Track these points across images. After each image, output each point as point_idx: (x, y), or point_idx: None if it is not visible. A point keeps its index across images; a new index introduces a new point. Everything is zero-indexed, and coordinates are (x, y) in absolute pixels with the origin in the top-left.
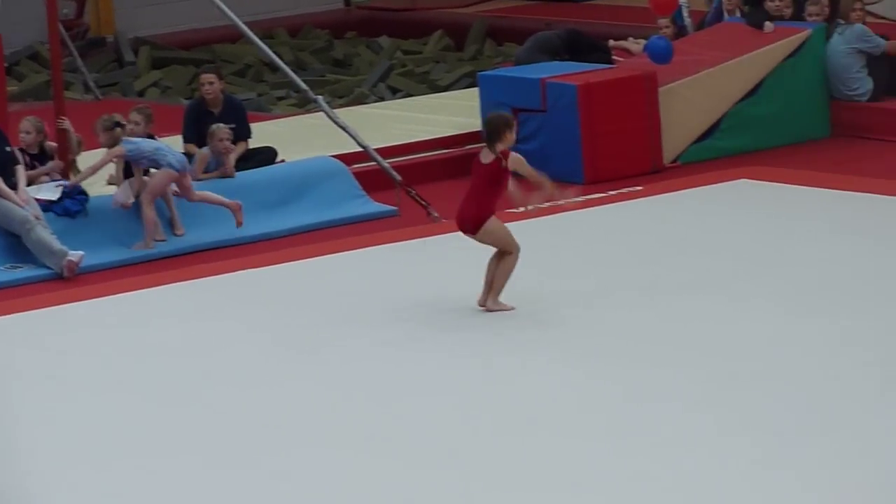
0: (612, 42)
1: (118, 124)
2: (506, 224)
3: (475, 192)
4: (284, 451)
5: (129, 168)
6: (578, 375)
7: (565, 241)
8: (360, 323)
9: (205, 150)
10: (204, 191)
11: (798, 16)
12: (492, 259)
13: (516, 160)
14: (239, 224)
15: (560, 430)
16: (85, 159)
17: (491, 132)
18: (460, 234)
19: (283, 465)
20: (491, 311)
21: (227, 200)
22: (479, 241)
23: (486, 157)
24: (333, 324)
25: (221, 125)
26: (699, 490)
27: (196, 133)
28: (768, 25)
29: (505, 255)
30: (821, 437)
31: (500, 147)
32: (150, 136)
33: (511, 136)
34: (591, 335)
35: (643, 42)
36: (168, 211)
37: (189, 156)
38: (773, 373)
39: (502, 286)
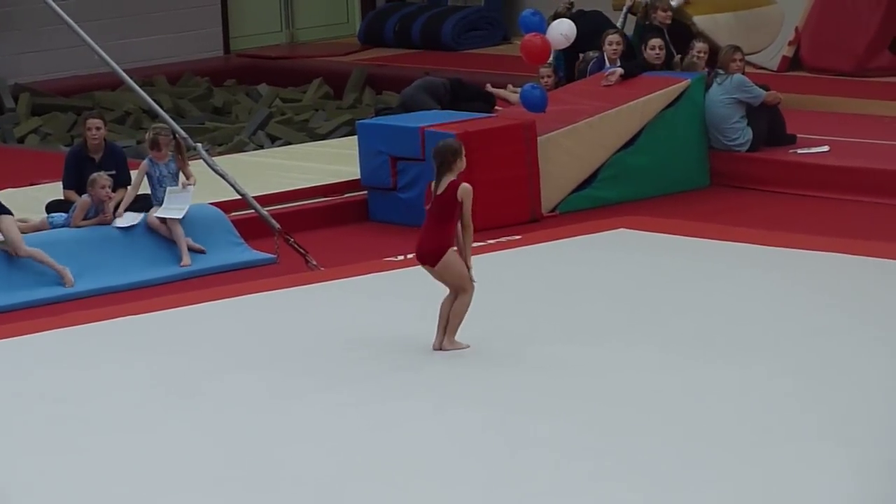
0: (488, 86)
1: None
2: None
3: (431, 225)
4: (161, 498)
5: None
6: (457, 423)
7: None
8: (238, 370)
9: (85, 197)
10: (36, 249)
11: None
12: (444, 301)
13: (465, 192)
14: (69, 284)
15: (439, 478)
16: None
17: (441, 163)
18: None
19: None
20: (447, 350)
21: (56, 264)
22: (438, 275)
23: (439, 188)
24: (212, 371)
25: (102, 173)
26: None
27: (76, 179)
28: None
29: (459, 294)
30: (700, 486)
31: (450, 178)
32: None
33: (461, 164)
34: (470, 383)
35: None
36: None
37: (68, 202)
38: (653, 420)
39: (457, 325)
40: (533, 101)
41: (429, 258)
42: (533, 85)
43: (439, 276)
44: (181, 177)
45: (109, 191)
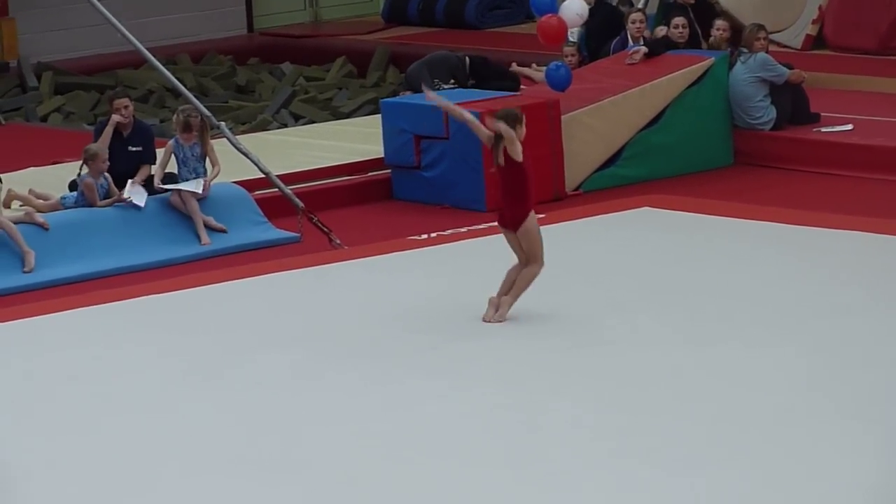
0: (514, 67)
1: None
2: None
3: (508, 193)
4: (183, 479)
5: None
6: (479, 402)
7: (467, 268)
8: (262, 349)
9: (87, 179)
10: (10, 223)
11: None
12: (512, 268)
13: (511, 141)
14: (28, 269)
15: (459, 457)
16: None
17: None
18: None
19: (182, 493)
20: (502, 310)
21: (24, 245)
22: (517, 240)
23: (500, 157)
24: (236, 349)
25: (104, 147)
26: None
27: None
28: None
29: (530, 263)
30: (722, 464)
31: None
32: None
33: (521, 131)
34: (492, 362)
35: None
36: (16, 245)
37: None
38: (675, 399)
39: (520, 292)
40: (558, 80)
41: (511, 223)
42: (558, 64)
43: (518, 241)
44: (208, 164)
45: (107, 164)
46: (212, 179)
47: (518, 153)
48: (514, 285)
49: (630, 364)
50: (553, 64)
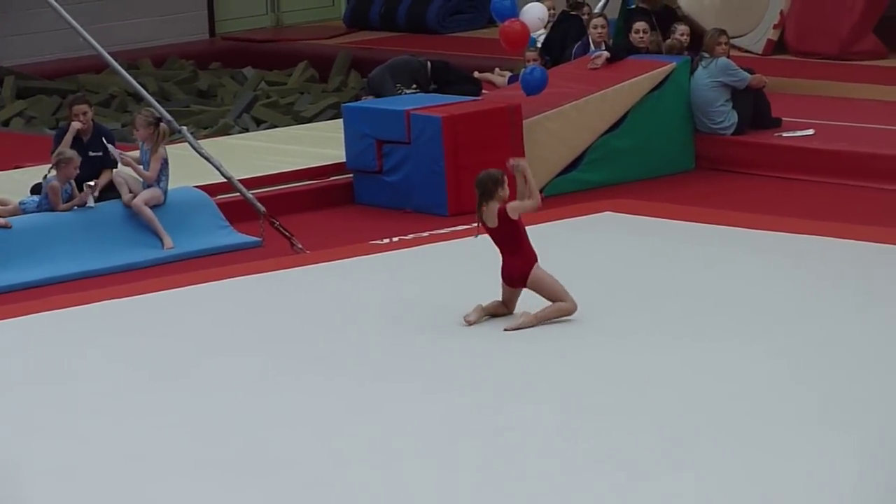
0: (476, 74)
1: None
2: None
3: (506, 253)
4: (146, 482)
5: None
6: (445, 406)
7: (431, 272)
8: (223, 353)
9: (53, 182)
10: None
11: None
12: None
13: (512, 209)
14: None
15: (427, 461)
16: None
17: (483, 193)
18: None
19: (145, 496)
20: (516, 326)
21: None
22: (533, 290)
23: (491, 220)
24: (199, 353)
25: (73, 151)
26: None
27: None
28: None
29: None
30: (689, 467)
31: (495, 206)
32: None
33: (503, 192)
34: (460, 365)
35: (508, 74)
36: None
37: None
38: (644, 402)
39: (544, 320)
40: (532, 83)
41: (518, 282)
42: (532, 67)
43: (535, 291)
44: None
45: (78, 171)
46: (130, 165)
47: (514, 212)
48: (542, 311)
49: (598, 367)
50: (528, 67)
